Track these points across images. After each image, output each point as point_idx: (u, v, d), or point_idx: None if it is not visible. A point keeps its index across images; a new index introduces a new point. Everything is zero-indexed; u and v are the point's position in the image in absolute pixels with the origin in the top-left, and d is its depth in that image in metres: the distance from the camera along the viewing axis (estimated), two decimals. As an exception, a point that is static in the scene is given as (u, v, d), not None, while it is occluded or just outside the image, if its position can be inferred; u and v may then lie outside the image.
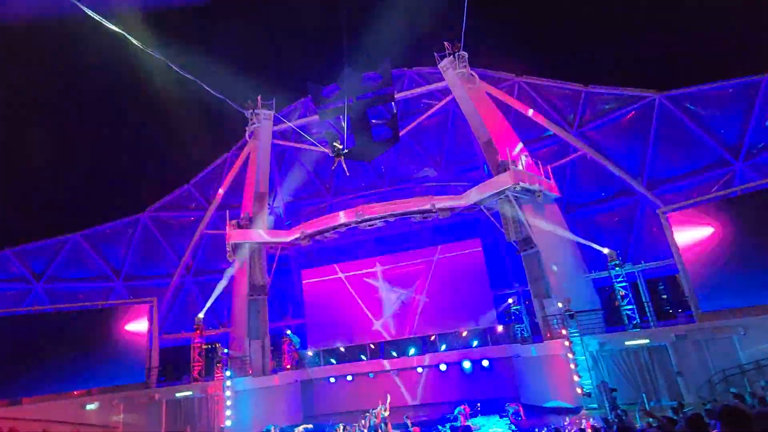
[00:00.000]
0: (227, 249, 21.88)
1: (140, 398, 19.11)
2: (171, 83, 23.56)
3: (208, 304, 22.17)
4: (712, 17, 23.23)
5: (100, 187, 32.96)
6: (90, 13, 8.29)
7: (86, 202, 30.56)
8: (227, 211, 23.30)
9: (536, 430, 14.31)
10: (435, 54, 22.47)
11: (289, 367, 23.23)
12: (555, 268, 18.65)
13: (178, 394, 19.38)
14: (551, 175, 20.79)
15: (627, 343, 16.10)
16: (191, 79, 19.81)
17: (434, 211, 20.63)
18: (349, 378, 23.39)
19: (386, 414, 13.86)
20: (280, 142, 27.43)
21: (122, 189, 33.23)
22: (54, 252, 24.79)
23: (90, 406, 18.68)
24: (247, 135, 24.96)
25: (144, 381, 20.04)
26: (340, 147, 17.24)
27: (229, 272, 22.21)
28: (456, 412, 16.72)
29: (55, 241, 24.78)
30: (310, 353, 24.89)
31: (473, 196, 20.17)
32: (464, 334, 23.30)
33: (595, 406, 15.19)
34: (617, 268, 18.00)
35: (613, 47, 27.06)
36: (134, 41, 9.80)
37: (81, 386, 19.45)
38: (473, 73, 22.02)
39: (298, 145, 28.01)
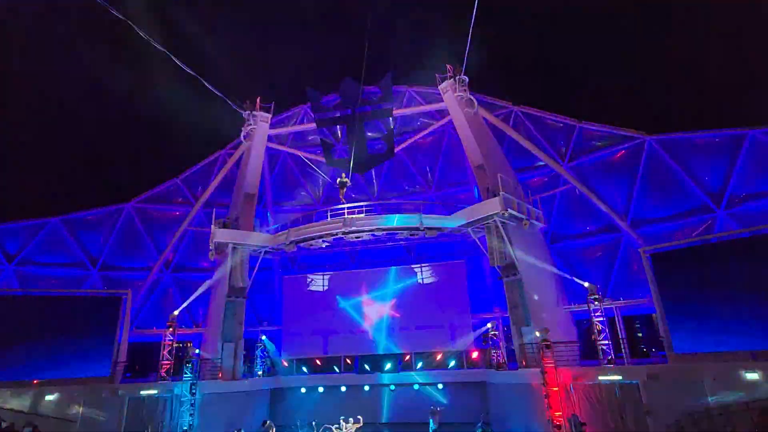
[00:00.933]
0: (210, 248, 21.57)
1: (102, 393, 18.49)
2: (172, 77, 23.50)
3: (187, 303, 21.72)
4: (703, 70, 24.23)
5: (84, 173, 32.48)
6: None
7: (70, 186, 30.04)
8: (214, 210, 23.05)
9: None
10: (436, 75, 22.86)
11: (260, 373, 22.77)
12: (536, 297, 18.78)
13: (142, 392, 18.81)
14: (539, 205, 21.10)
15: (600, 377, 16.18)
16: (193, 74, 19.90)
17: (422, 229, 20.68)
18: (321, 390, 23.01)
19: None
20: (275, 146, 27.41)
21: (108, 176, 32.80)
22: (30, 234, 24.17)
23: (49, 397, 18.01)
24: (242, 135, 24.90)
25: (108, 375, 19.42)
26: (346, 180, 18.13)
27: (219, 274, 21.69)
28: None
29: (32, 223, 24.19)
30: (285, 363, 24.46)
31: (461, 218, 20.31)
32: (440, 356, 23.18)
33: (564, 439, 15.16)
34: (596, 303, 18.21)
35: (612, 87, 27.97)
36: (140, 32, 9.80)
37: (42, 375, 18.76)
38: (472, 98, 22.42)
39: (293, 151, 28.05)
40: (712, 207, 19.59)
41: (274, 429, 17.46)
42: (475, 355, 22.60)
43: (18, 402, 17.44)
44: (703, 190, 19.93)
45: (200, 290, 21.83)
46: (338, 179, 18.99)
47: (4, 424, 14.31)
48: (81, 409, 18.20)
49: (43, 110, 32.15)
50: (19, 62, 31.37)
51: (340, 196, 19.63)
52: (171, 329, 20.64)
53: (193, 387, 18.34)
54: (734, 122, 18.61)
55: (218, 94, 22.44)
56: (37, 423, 15.18)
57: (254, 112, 24.55)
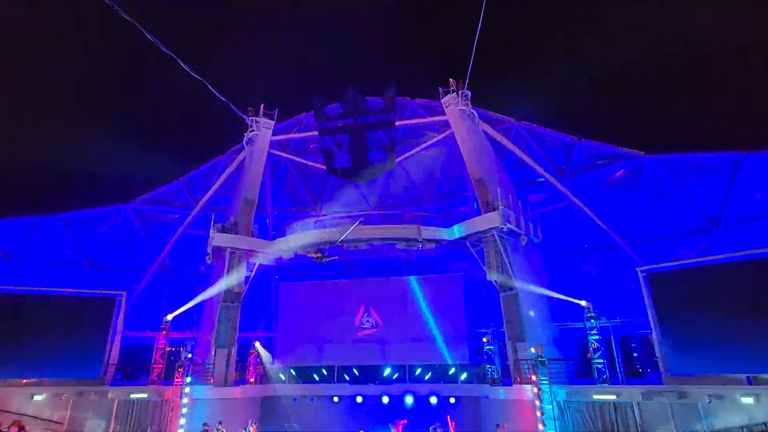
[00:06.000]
0: (207, 251, 21.50)
1: (92, 395, 18.27)
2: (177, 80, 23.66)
3: (184, 308, 21.44)
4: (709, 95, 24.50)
5: (86, 172, 32.52)
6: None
7: (70, 185, 30.07)
8: (213, 214, 23.03)
9: None
10: (440, 89, 23.08)
11: (252, 380, 22.54)
12: (532, 313, 18.74)
13: (132, 395, 18.59)
14: (538, 221, 21.16)
15: (594, 396, 16.08)
16: (198, 78, 20.06)
17: (420, 240, 20.70)
18: (313, 400, 22.78)
19: None
20: (277, 153, 27.50)
21: (108, 177, 32.83)
22: (28, 231, 24.10)
23: (38, 397, 17.82)
24: (244, 141, 25.00)
25: (99, 377, 19.21)
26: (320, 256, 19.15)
27: (221, 284, 21.39)
28: None
29: (30, 220, 24.13)
30: (277, 369, 24.23)
31: (459, 231, 20.34)
32: (436, 366, 23.02)
33: (557, 457, 15.01)
34: (592, 321, 18.16)
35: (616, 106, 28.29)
36: (148, 35, 9.92)
37: (31, 374, 18.56)
38: (474, 112, 22.63)
39: (295, 158, 28.14)
40: (709, 228, 19.67)
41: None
42: (467, 372, 22.37)
43: (5, 402, 17.23)
44: (700, 211, 20.03)
45: (200, 298, 21.54)
46: (315, 256, 19.45)
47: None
48: (69, 411, 17.98)
49: (44, 96, 32.28)
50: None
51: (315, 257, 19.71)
52: (164, 332, 20.48)
53: (186, 392, 18.13)
54: (733, 145, 18.81)
55: (223, 99, 22.62)
56: (24, 423, 14.96)
57: (257, 118, 24.71)
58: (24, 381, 18.42)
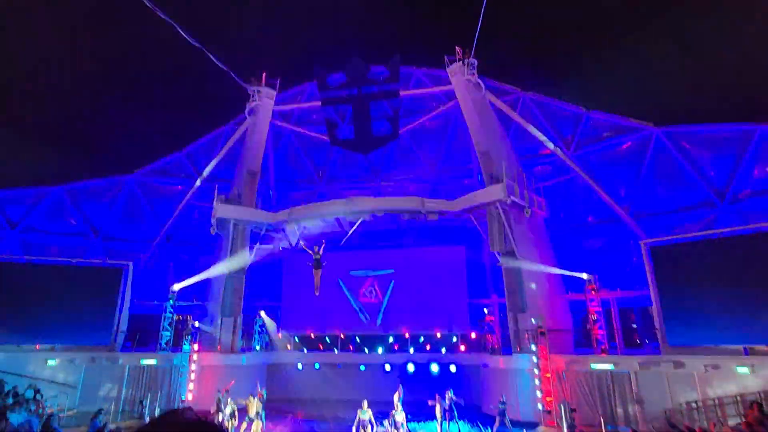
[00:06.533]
0: (212, 223, 21.64)
1: (104, 361, 18.86)
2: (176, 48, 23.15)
3: (191, 281, 21.73)
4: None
5: (89, 141, 32.38)
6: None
7: (74, 154, 30.01)
8: (216, 185, 23.01)
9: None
10: (445, 57, 22.47)
11: (258, 348, 23.12)
12: (533, 284, 18.90)
13: (143, 361, 19.18)
14: (542, 193, 21.03)
15: (593, 366, 16.42)
16: (198, 47, 19.63)
17: (423, 212, 20.70)
18: (317, 366, 23.39)
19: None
20: (279, 123, 27.19)
21: (112, 147, 32.71)
22: (33, 202, 24.26)
23: (51, 362, 18.39)
24: (246, 111, 24.68)
25: (109, 344, 19.76)
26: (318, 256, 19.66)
27: (224, 264, 21.49)
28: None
29: (35, 190, 24.25)
30: (281, 338, 24.81)
31: (463, 203, 20.29)
32: (437, 336, 23.47)
33: (554, 423, 15.48)
34: (593, 293, 18.33)
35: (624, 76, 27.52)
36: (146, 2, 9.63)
37: (44, 341, 19.10)
38: (480, 82, 22.10)
39: (297, 129, 27.83)
40: (715, 202, 19.51)
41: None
42: (472, 336, 22.79)
43: (20, 366, 17.81)
44: (707, 184, 19.82)
45: (207, 275, 21.76)
46: (314, 254, 19.83)
47: (6, 387, 14.63)
48: (82, 375, 18.60)
49: (45, 75, 31.88)
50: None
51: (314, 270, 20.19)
52: (171, 302, 20.91)
53: (193, 359, 18.65)
54: (744, 117, 18.40)
55: (223, 68, 22.19)
56: (39, 387, 15.50)
57: (259, 88, 24.29)
58: (37, 347, 19.00)
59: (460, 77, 21.91)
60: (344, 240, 23.96)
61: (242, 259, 21.74)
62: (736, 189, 19.12)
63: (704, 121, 19.35)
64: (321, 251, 19.97)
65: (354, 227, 22.14)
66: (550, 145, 22.95)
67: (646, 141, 20.89)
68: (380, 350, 23.59)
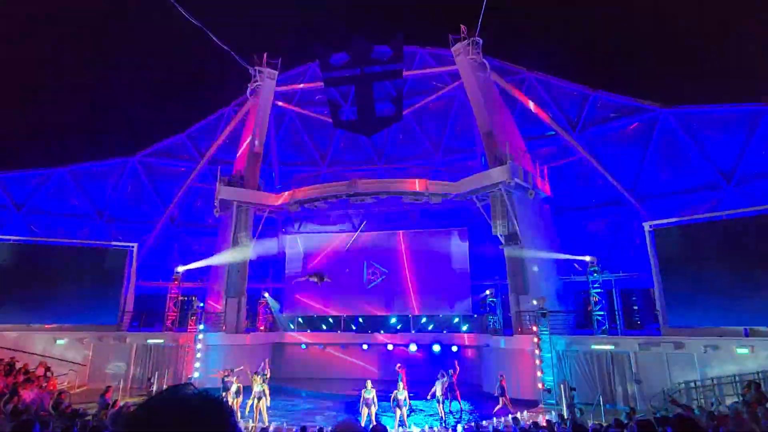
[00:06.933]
0: (215, 205, 21.69)
1: (111, 340, 19.23)
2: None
3: (196, 265, 21.90)
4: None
5: (91, 124, 32.23)
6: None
7: (76, 136, 29.91)
8: (219, 167, 22.97)
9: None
10: (450, 36, 22.03)
11: (262, 328, 23.47)
12: (536, 268, 18.95)
13: (149, 341, 19.54)
14: (546, 175, 20.89)
15: (593, 346, 16.61)
16: (199, 26, 19.32)
17: (426, 194, 20.65)
18: (320, 346, 23.77)
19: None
20: (282, 104, 26.93)
21: (114, 129, 32.56)
22: (38, 183, 24.33)
23: (60, 341, 18.77)
24: (248, 92, 24.43)
25: (116, 324, 20.09)
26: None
27: (227, 255, 21.67)
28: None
29: (39, 172, 24.29)
30: (285, 318, 25.14)
31: (467, 185, 20.21)
32: (440, 317, 23.75)
33: (553, 402, 15.75)
34: (595, 275, 18.40)
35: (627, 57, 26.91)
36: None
37: (52, 321, 19.44)
38: (485, 62, 21.71)
39: (300, 110, 27.59)
40: (721, 184, 19.35)
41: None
42: (474, 317, 23.01)
43: (31, 345, 18.20)
44: (713, 166, 19.61)
45: (212, 261, 21.93)
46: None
47: (18, 365, 14.96)
48: (91, 354, 19.00)
49: (50, 56, 31.55)
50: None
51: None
52: (176, 283, 21.16)
53: (199, 338, 18.97)
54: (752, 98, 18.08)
55: (224, 48, 21.90)
56: (50, 365, 15.86)
57: (261, 68, 23.97)
58: (46, 326, 19.36)
59: (465, 56, 21.51)
60: (349, 245, 24.44)
61: (245, 252, 21.84)
62: (743, 171, 18.92)
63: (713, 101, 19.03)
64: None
65: (359, 230, 22.48)
66: (556, 127, 22.69)
67: (652, 122, 20.62)
68: (383, 331, 23.90)
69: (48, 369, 15.27)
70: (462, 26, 21.58)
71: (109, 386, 13.03)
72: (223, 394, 14.34)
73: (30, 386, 12.20)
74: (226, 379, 15.11)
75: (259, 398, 13.81)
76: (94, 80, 32.09)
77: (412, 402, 15.31)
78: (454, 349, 22.23)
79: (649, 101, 20.49)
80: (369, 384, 13.42)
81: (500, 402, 14.48)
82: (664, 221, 17.25)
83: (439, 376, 15.27)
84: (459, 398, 16.01)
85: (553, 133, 23.13)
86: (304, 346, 23.81)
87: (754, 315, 14.30)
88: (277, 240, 28.17)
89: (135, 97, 33.17)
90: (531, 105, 22.88)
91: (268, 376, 14.85)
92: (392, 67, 22.99)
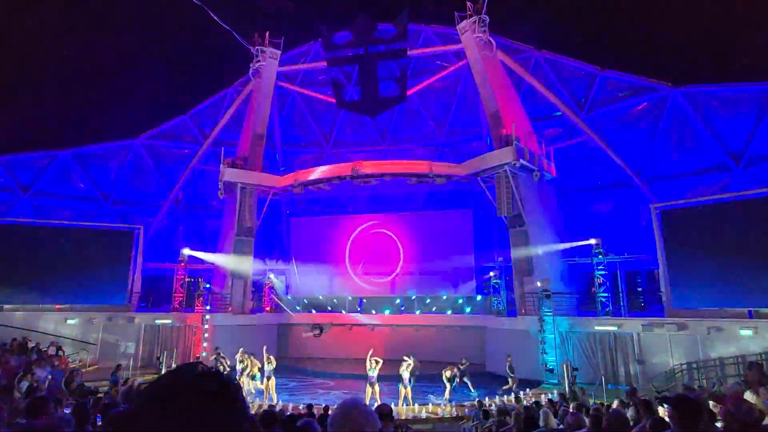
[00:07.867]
0: (219, 187, 21.71)
1: (120, 320, 19.57)
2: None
3: (200, 256, 22.04)
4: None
5: (95, 105, 32.02)
6: None
7: (80, 119, 29.73)
8: (222, 149, 22.90)
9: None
10: (455, 14, 21.51)
11: (268, 309, 23.77)
12: (540, 250, 18.94)
13: (157, 321, 19.87)
14: (552, 156, 20.67)
15: (596, 327, 16.71)
16: (199, 4, 18.97)
17: (431, 176, 20.55)
18: (326, 328, 24.04)
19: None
20: (284, 85, 26.62)
21: (117, 110, 32.33)
22: (42, 166, 24.39)
23: (71, 321, 19.13)
24: (250, 72, 24.12)
25: (124, 304, 20.41)
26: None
27: (222, 258, 21.86)
28: None
29: (43, 155, 24.33)
30: (290, 299, 25.42)
31: (472, 166, 20.05)
32: (443, 298, 23.89)
33: (556, 381, 15.95)
34: (600, 257, 18.36)
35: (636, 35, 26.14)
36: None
37: (62, 301, 19.77)
38: (491, 40, 21.24)
39: (303, 90, 27.28)
40: (730, 165, 19.08)
41: None
42: (478, 298, 23.15)
43: (42, 324, 18.57)
44: (723, 147, 19.30)
45: (212, 259, 22.13)
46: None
47: (30, 344, 15.29)
48: (101, 333, 19.37)
49: (50, 40, 31.14)
50: None
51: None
52: (182, 264, 21.37)
53: (206, 318, 19.26)
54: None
55: (226, 27, 21.55)
56: (60, 344, 16.19)
57: (263, 48, 23.60)
58: (57, 306, 19.70)
59: (471, 35, 21.04)
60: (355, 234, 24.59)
61: (246, 264, 22.15)
62: (752, 152, 18.61)
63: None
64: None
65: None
66: (563, 107, 22.33)
67: (662, 102, 20.22)
68: (387, 312, 24.12)
69: (59, 348, 15.60)
70: (468, 3, 21.05)
71: (119, 364, 13.33)
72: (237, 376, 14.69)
73: (43, 364, 12.47)
74: (216, 358, 15.57)
75: (269, 377, 14.15)
76: (92, 66, 31.69)
77: (418, 383, 15.51)
78: (459, 329, 22.41)
79: (659, 80, 20.05)
80: (374, 363, 13.62)
81: (509, 382, 14.67)
82: (671, 203, 17.12)
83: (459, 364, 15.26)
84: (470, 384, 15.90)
85: (560, 113, 22.78)
86: (309, 327, 24.10)
87: (759, 297, 14.28)
88: (282, 222, 28.31)
89: (134, 77, 32.79)
90: (537, 85, 22.47)
91: (271, 361, 15.10)
92: (396, 46, 22.56)
